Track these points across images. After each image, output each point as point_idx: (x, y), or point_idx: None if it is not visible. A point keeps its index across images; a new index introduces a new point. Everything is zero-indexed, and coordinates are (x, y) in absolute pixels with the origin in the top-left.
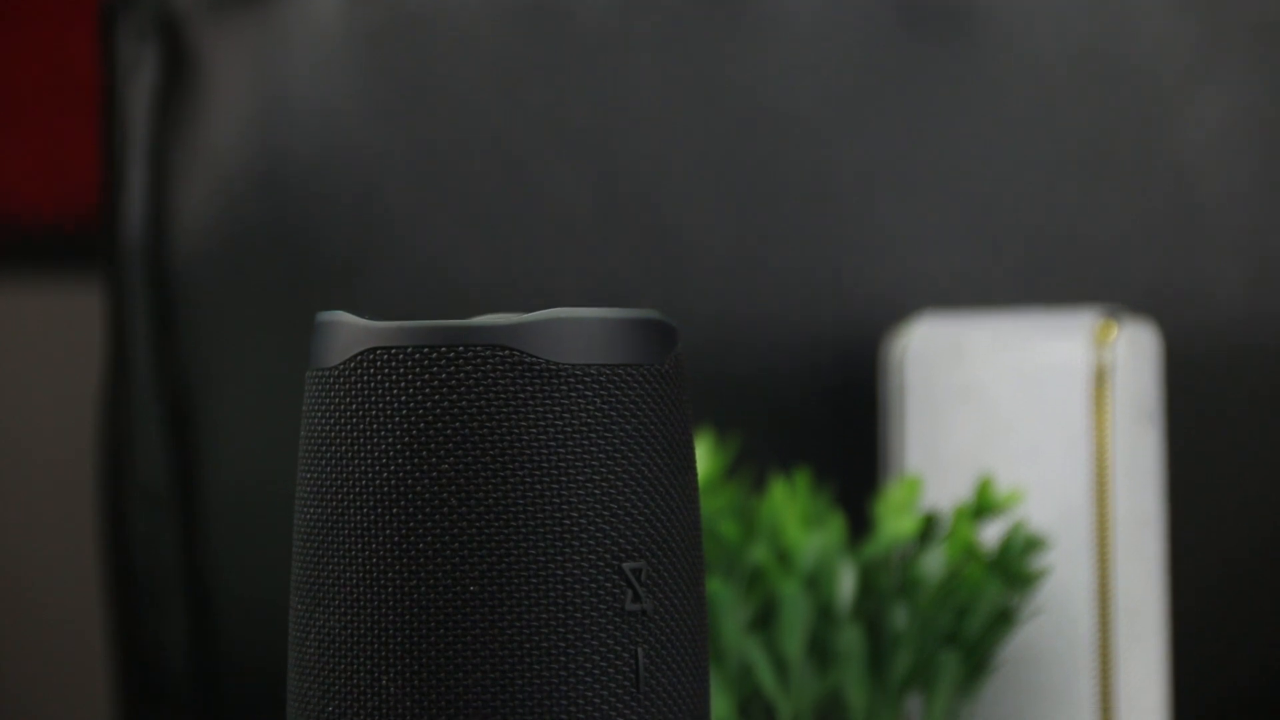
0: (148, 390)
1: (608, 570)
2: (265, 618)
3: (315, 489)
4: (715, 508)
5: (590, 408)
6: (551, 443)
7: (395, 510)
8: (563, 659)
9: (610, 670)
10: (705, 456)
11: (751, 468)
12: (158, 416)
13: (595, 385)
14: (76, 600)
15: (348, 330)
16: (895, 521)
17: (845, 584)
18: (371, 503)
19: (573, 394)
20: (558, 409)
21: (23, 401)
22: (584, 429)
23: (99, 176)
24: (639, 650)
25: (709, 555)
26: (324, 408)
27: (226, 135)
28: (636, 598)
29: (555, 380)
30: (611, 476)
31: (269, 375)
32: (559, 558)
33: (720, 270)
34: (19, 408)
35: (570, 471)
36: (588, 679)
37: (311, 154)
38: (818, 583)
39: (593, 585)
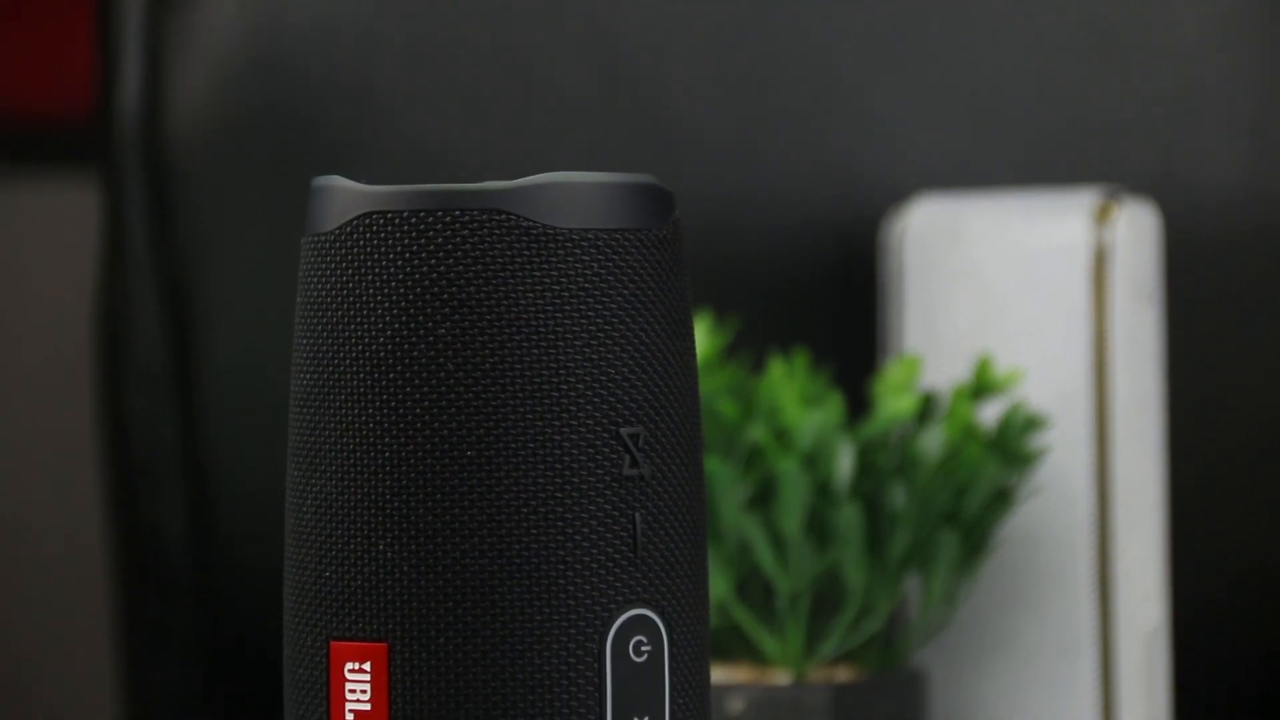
0: (144, 273)
1: (605, 435)
2: (264, 498)
3: (311, 354)
4: (714, 387)
5: (588, 272)
6: (549, 307)
7: (392, 375)
8: (560, 524)
9: (608, 535)
10: (704, 336)
11: (750, 349)
12: (155, 299)
13: (592, 250)
14: (75, 486)
15: (344, 195)
16: (894, 401)
17: (844, 463)
18: (368, 368)
19: (570, 258)
20: (555, 273)
21: (21, 296)
22: (581, 294)
23: (94, 63)
24: (636, 515)
25: (707, 434)
26: (320, 273)
27: (222, 16)
28: (634, 463)
29: (552, 245)
30: (609, 341)
31: (265, 257)
32: (556, 423)
33: (720, 153)
34: (17, 302)
35: (567, 336)
36: (585, 544)
37: (308, 35)
38: (816, 461)
39: (590, 450)
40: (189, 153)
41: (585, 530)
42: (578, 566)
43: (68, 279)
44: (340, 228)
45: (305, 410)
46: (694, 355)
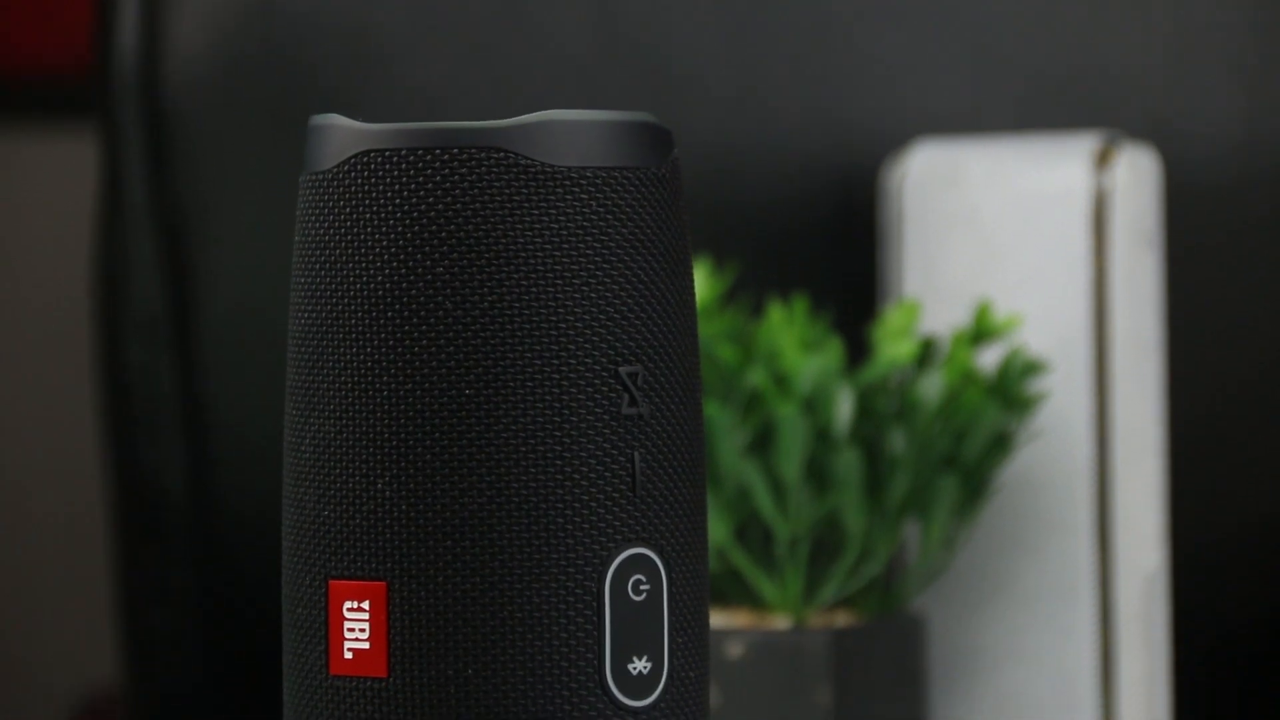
0: (142, 220)
1: (604, 374)
2: (263, 446)
3: (309, 293)
4: (713, 332)
5: (586, 210)
6: (547, 245)
7: (390, 314)
8: (559, 463)
9: (606, 474)
10: (703, 281)
11: (750, 295)
12: (152, 246)
13: (590, 188)
14: (73, 436)
15: (342, 133)
16: (893, 345)
17: (843, 407)
18: (366, 306)
19: (568, 197)
20: (553, 212)
21: (20, 248)
22: (579, 232)
23: (92, 10)
24: (635, 454)
25: (706, 380)
26: (318, 211)
27: None
28: (633, 401)
29: (550, 183)
30: (607, 280)
31: (264, 204)
32: (555, 361)
33: (719, 100)
34: (16, 253)
35: (566, 275)
36: (584, 482)
37: None
38: (815, 406)
39: (589, 389)
40: (187, 99)
41: (584, 469)
42: (576, 505)
43: (67, 230)
44: (338, 166)
45: (303, 349)
46: (693, 294)
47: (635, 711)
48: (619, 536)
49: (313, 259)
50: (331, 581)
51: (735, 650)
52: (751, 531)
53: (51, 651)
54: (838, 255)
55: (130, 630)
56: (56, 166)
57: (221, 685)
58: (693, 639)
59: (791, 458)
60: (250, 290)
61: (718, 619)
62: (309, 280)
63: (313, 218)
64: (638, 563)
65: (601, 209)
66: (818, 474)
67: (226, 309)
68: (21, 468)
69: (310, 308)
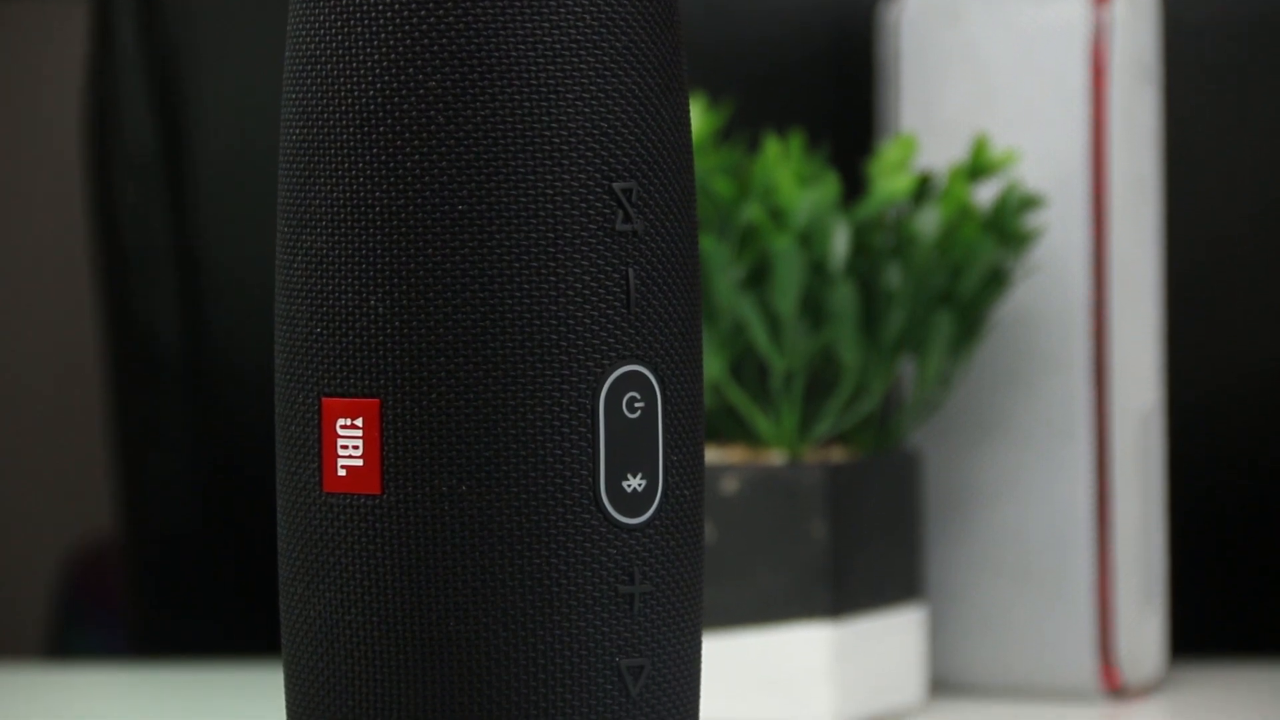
0: (132, 59)
1: (598, 190)
2: (255, 287)
3: (300, 109)
4: (709, 167)
5: (580, 24)
6: (540, 59)
7: (381, 129)
8: (553, 279)
9: (601, 290)
10: (699, 116)
11: (746, 132)
12: (143, 85)
13: (585, 1)
14: (68, 281)
15: None
16: (889, 180)
17: (839, 242)
18: (358, 121)
19: (562, 9)
20: (546, 25)
21: (12, 96)
22: (573, 46)
23: None
24: (629, 271)
25: (702, 214)
26: (309, 26)
27: None
28: (627, 218)
29: None
30: (601, 95)
31: (255, 43)
32: (548, 176)
33: None
34: (9, 102)
35: (559, 89)
36: (578, 299)
37: None
38: (811, 240)
39: (583, 205)
40: None
41: (578, 285)
42: (570, 322)
43: (59, 76)
44: None
45: (295, 166)
46: (687, 111)
47: (630, 528)
48: (613, 354)
49: (304, 75)
50: (324, 399)
51: (730, 485)
52: (747, 367)
53: (47, 497)
54: (835, 91)
55: (126, 474)
56: (49, 15)
57: (217, 528)
58: (687, 457)
59: (787, 292)
60: (242, 129)
61: (713, 455)
62: (300, 96)
63: (303, 33)
64: (632, 380)
65: (595, 22)
66: (813, 309)
67: (219, 148)
68: (14, 314)
69: (301, 124)
